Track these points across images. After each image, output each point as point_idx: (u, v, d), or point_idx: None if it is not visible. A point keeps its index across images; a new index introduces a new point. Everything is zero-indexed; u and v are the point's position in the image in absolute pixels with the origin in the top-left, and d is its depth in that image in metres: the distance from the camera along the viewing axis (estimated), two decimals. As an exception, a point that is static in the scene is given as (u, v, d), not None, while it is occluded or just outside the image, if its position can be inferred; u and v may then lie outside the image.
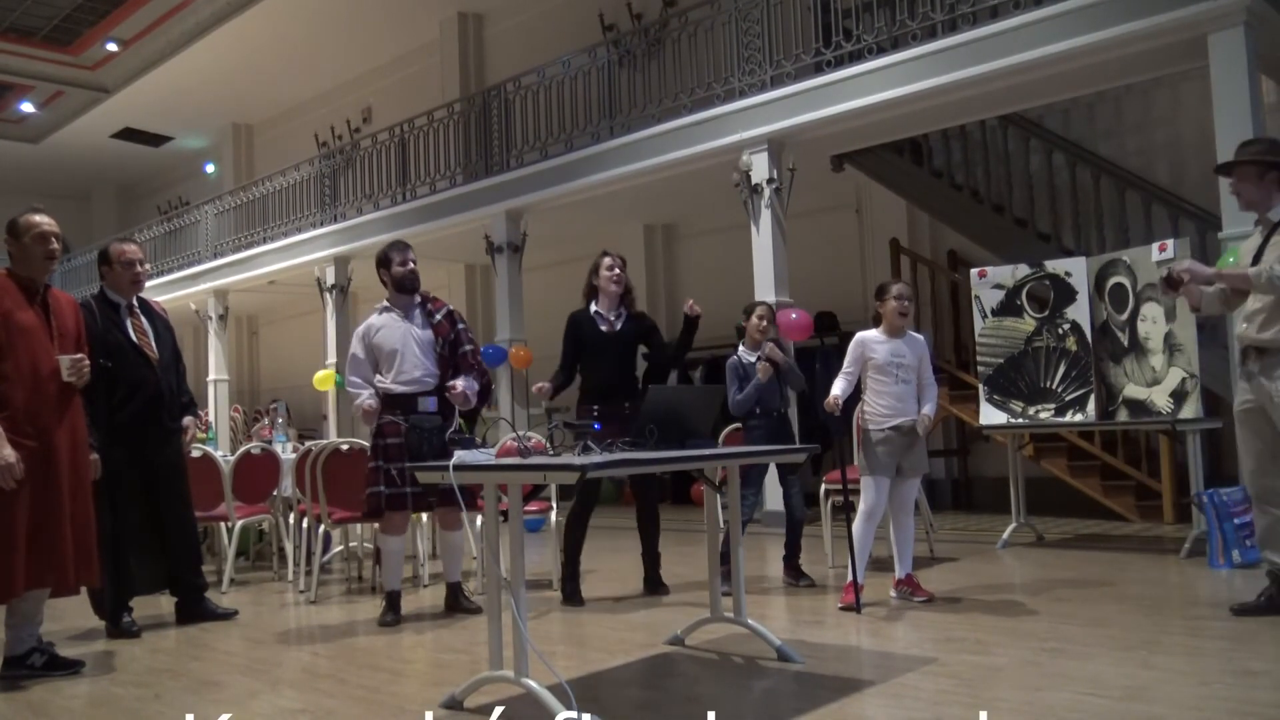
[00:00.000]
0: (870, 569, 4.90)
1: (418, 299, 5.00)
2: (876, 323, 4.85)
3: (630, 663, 3.84)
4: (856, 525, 4.72)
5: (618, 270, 5.37)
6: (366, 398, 4.82)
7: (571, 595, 5.17)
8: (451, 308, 5.08)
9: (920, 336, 4.95)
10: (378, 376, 4.89)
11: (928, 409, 4.79)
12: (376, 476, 4.81)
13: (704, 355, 11.24)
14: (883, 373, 4.75)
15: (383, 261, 4.98)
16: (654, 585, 5.35)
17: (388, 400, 4.85)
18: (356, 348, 4.94)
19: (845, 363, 4.85)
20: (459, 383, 4.77)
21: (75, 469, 3.94)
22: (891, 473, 4.71)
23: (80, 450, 4.00)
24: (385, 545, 4.94)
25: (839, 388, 4.74)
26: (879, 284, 4.98)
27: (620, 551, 6.48)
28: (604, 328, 5.34)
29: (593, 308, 5.39)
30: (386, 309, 4.97)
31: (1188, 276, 4.18)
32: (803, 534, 5.48)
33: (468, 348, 4.91)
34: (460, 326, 4.99)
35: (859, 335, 4.86)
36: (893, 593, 4.84)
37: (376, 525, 5.10)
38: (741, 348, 5.49)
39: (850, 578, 4.62)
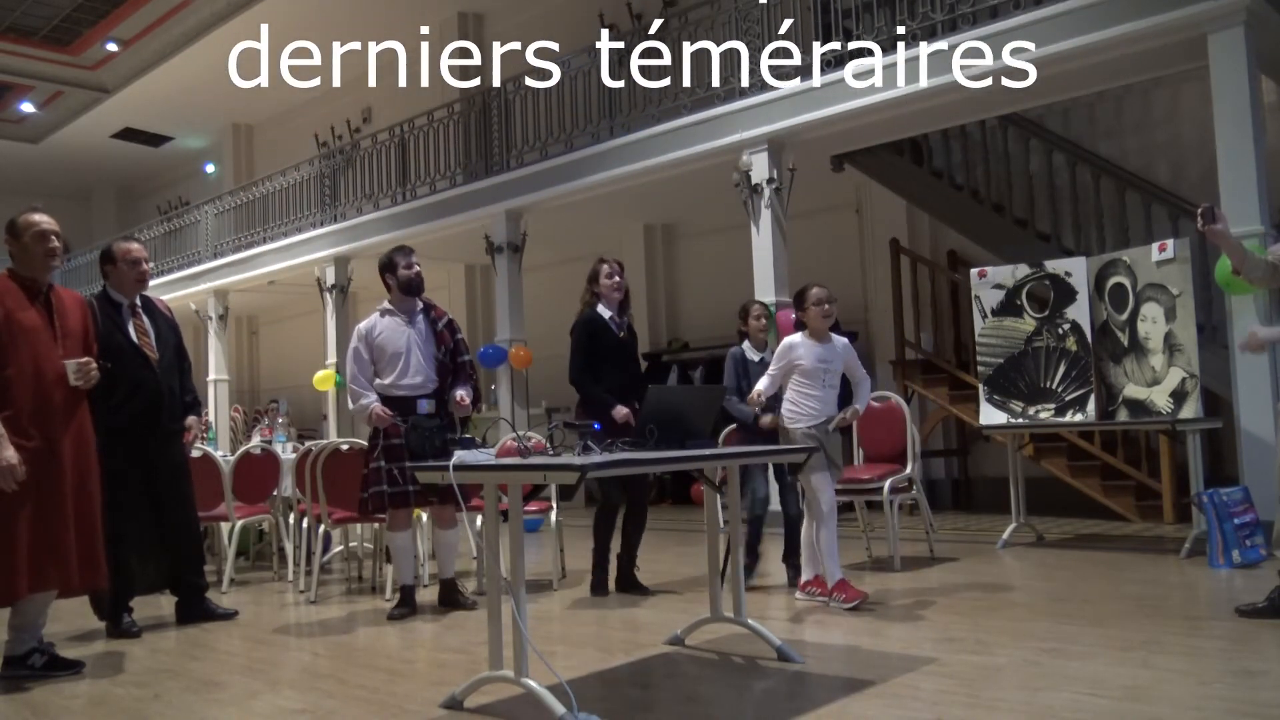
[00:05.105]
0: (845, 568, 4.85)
1: (420, 304, 5.06)
2: (799, 327, 4.85)
3: (630, 663, 3.85)
4: (826, 525, 4.67)
5: (618, 277, 5.40)
6: (377, 403, 4.88)
7: (597, 585, 5.31)
8: (451, 317, 5.19)
9: (844, 340, 4.91)
10: (376, 379, 4.94)
11: (858, 405, 4.81)
12: (379, 475, 4.90)
13: (703, 356, 11.24)
14: (809, 377, 4.74)
15: (387, 266, 5.06)
16: (628, 585, 5.35)
17: (385, 402, 4.92)
18: (360, 346, 4.96)
19: (773, 364, 4.82)
20: (464, 394, 4.94)
21: (80, 471, 3.93)
22: (828, 467, 4.69)
23: (86, 452, 3.98)
24: (394, 542, 5.03)
25: (763, 385, 4.74)
26: (798, 290, 4.91)
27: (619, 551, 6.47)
28: (620, 333, 5.39)
29: (603, 312, 5.38)
30: (389, 311, 5.00)
31: (1218, 223, 4.02)
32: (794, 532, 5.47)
33: (467, 357, 5.09)
34: (459, 336, 5.13)
35: (787, 340, 4.82)
36: (799, 594, 4.85)
37: (377, 525, 5.13)
38: (746, 344, 5.49)
39: (836, 578, 4.63)
